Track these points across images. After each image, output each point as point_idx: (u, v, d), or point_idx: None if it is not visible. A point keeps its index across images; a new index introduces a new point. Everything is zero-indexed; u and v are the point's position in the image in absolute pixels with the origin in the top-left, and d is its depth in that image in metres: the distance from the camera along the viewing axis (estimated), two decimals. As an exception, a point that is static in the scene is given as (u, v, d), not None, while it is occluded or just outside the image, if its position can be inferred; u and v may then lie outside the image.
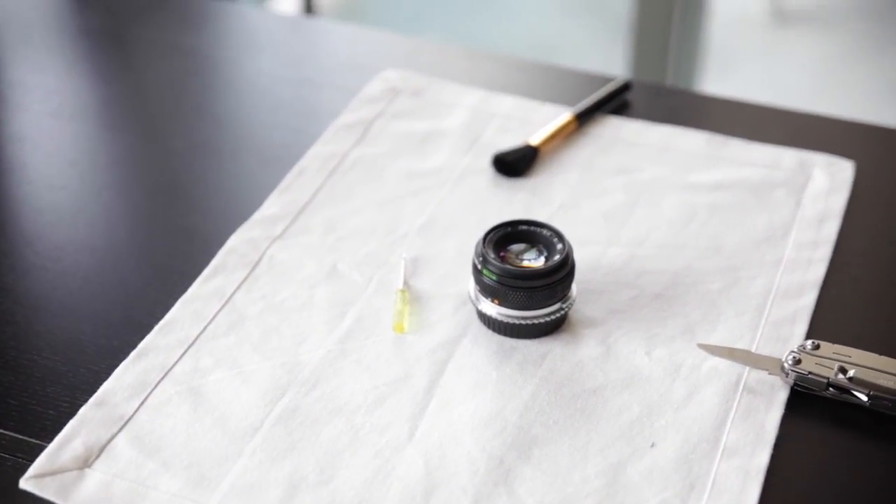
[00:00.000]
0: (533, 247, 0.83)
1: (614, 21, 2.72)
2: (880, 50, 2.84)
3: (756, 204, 0.94)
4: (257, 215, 0.92)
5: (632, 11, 2.14)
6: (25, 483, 0.70)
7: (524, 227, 0.84)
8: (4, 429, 0.73)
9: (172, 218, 0.93)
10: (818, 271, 0.87)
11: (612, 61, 2.57)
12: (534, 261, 0.82)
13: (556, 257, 0.81)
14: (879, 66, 2.78)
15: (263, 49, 1.14)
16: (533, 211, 0.92)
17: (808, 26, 2.92)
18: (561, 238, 0.82)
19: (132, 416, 0.74)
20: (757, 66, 2.82)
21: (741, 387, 0.77)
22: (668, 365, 0.79)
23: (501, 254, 0.82)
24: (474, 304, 0.82)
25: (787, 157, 0.98)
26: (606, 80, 1.08)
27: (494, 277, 0.80)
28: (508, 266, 0.80)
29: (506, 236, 0.83)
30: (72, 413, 0.74)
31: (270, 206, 0.92)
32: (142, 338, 0.80)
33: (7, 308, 0.83)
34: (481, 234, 0.83)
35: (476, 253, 0.81)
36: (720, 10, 2.77)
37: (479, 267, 0.80)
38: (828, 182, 0.96)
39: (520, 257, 0.82)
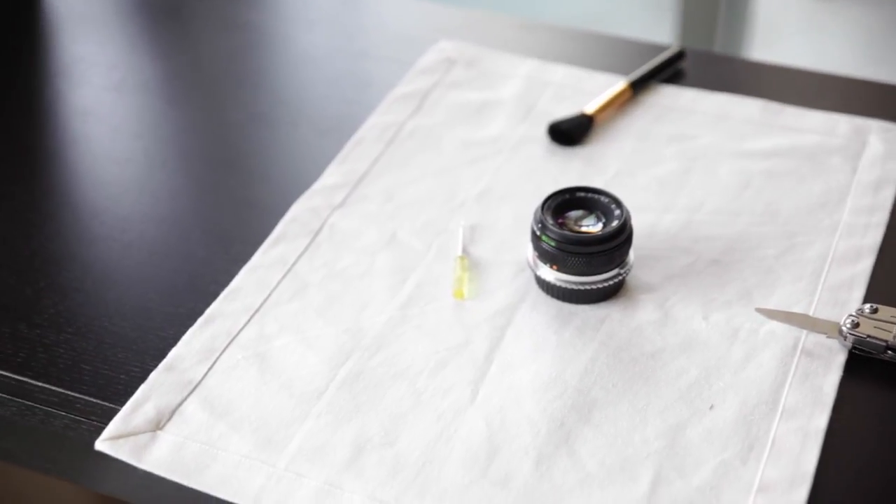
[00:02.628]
0: (591, 213, 0.83)
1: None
2: None
3: (812, 170, 0.94)
4: (317, 185, 0.92)
5: None
6: (101, 445, 0.71)
7: (582, 194, 0.84)
8: (79, 392, 0.75)
9: (234, 188, 0.93)
10: (875, 236, 0.87)
11: (659, 31, 2.55)
12: (592, 227, 0.82)
13: (614, 223, 0.81)
14: None
15: (318, 22, 1.14)
16: (588, 179, 0.92)
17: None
18: (619, 204, 0.82)
19: (201, 380, 0.75)
20: (802, 38, 2.79)
21: (799, 350, 0.77)
22: (725, 329, 0.79)
23: (560, 220, 0.82)
24: (533, 270, 0.83)
25: (842, 124, 0.98)
26: (659, 48, 1.08)
27: (553, 243, 0.80)
28: (567, 232, 0.81)
29: (564, 203, 0.83)
30: (143, 378, 0.75)
31: (330, 176, 0.93)
32: (207, 305, 0.81)
33: (76, 276, 0.84)
34: (539, 201, 0.83)
35: (535, 219, 0.82)
36: None
37: (538, 233, 0.81)
38: (884, 148, 0.95)
39: (578, 223, 0.83)
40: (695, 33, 2.18)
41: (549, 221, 0.81)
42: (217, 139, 1.00)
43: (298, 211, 0.90)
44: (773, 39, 2.72)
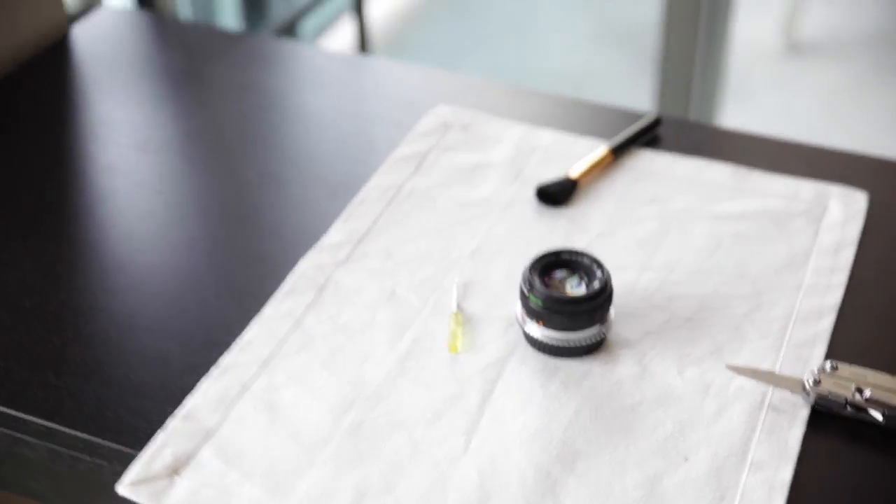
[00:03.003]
0: (574, 273, 0.83)
1: (642, 51, 2.72)
2: (888, 77, 2.83)
3: (777, 233, 0.93)
4: (323, 242, 0.92)
5: (659, 43, 2.14)
6: (122, 488, 0.71)
7: (566, 256, 0.84)
8: (102, 438, 0.74)
9: (247, 244, 0.93)
10: (835, 296, 0.86)
11: (639, 90, 2.58)
12: (575, 287, 0.82)
13: (596, 284, 0.81)
14: (888, 92, 2.77)
15: (326, 86, 1.13)
16: (573, 238, 0.92)
17: (820, 56, 2.91)
18: (600, 266, 0.82)
19: (215, 429, 0.75)
20: (773, 94, 2.81)
21: (766, 405, 0.77)
22: (698, 384, 0.79)
23: (546, 280, 0.82)
24: (521, 326, 0.82)
25: (805, 189, 0.97)
26: (638, 115, 1.07)
27: (540, 302, 0.80)
28: (553, 292, 0.81)
29: (550, 264, 0.83)
30: (161, 425, 0.75)
31: (335, 234, 0.93)
32: (221, 355, 0.81)
33: (102, 327, 0.83)
34: (527, 261, 0.83)
35: (523, 279, 0.81)
36: (739, 42, 2.74)
37: (526, 293, 0.81)
38: (843, 212, 0.95)
39: (563, 283, 0.82)
40: (673, 91, 2.20)
41: (536, 282, 0.81)
42: (232, 196, 1.00)
43: (306, 267, 0.89)
44: (746, 96, 2.75)
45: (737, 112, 2.64)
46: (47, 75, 1.16)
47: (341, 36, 2.76)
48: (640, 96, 2.53)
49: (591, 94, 2.77)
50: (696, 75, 2.14)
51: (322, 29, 2.73)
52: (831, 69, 2.85)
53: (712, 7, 2.10)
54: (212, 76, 1.15)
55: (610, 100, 2.88)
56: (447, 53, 3.00)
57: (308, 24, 2.36)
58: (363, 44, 2.13)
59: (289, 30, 1.96)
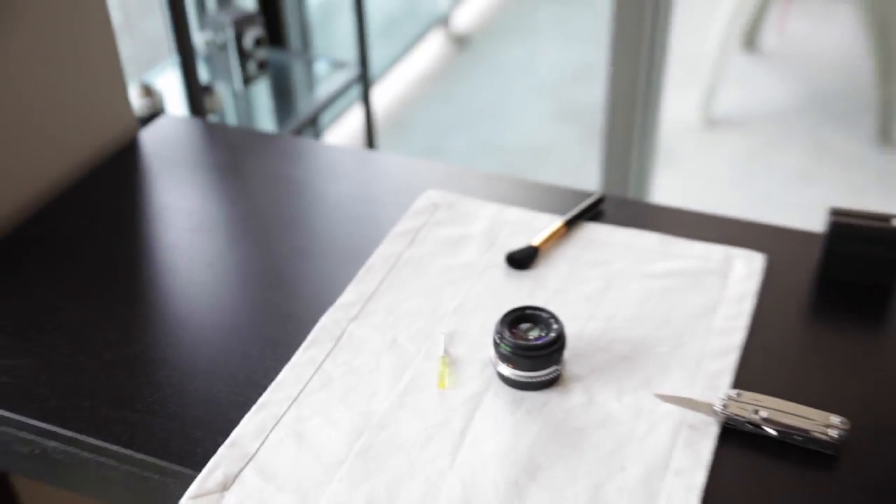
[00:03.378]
0: (536, 325, 0.83)
1: (592, 127, 2.71)
2: (782, 145, 2.85)
3: (694, 287, 0.93)
4: (339, 302, 0.92)
5: (605, 120, 2.13)
6: (183, 502, 0.72)
7: (529, 311, 0.84)
8: (168, 461, 0.76)
9: (279, 304, 0.93)
10: (739, 337, 0.87)
11: (590, 158, 2.56)
12: (537, 336, 0.82)
13: (553, 334, 0.81)
14: (783, 156, 2.79)
15: (340, 176, 1.14)
16: (535, 296, 0.92)
17: (730, 129, 2.91)
18: (556, 319, 0.82)
19: (255, 453, 0.76)
20: (694, 159, 2.81)
21: (685, 424, 0.77)
22: (633, 409, 0.79)
23: (513, 331, 0.82)
24: (494, 367, 0.83)
25: (715, 252, 0.97)
26: (587, 194, 1.07)
27: (509, 349, 0.80)
28: (519, 341, 0.81)
29: (516, 318, 0.83)
30: (214, 451, 0.76)
31: (348, 295, 0.93)
32: (259, 395, 0.81)
33: (167, 374, 0.84)
34: (499, 316, 0.83)
35: (495, 330, 0.82)
36: (667, 118, 2.73)
37: (498, 341, 0.81)
38: (745, 270, 0.95)
39: (527, 333, 0.82)
40: (616, 158, 2.17)
41: (506, 333, 0.81)
42: (266, 266, 0.99)
43: (325, 322, 0.89)
44: (673, 160, 2.75)
45: (666, 174, 2.62)
46: (122, 170, 1.16)
47: (353, 120, 2.72)
48: (591, 164, 2.53)
49: (552, 164, 2.77)
50: (634, 144, 2.12)
51: (338, 116, 2.69)
52: (739, 139, 2.86)
53: (646, 90, 2.09)
54: (251, 169, 1.14)
55: (566, 168, 2.90)
56: (437, 132, 2.98)
57: (326, 116, 2.35)
58: (370, 127, 2.12)
59: (312, 121, 1.96)
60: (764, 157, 2.76)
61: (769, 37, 3.33)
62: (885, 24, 2.68)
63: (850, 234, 0.93)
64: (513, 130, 2.95)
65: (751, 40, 3.25)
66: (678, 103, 2.92)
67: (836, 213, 0.94)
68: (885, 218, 0.93)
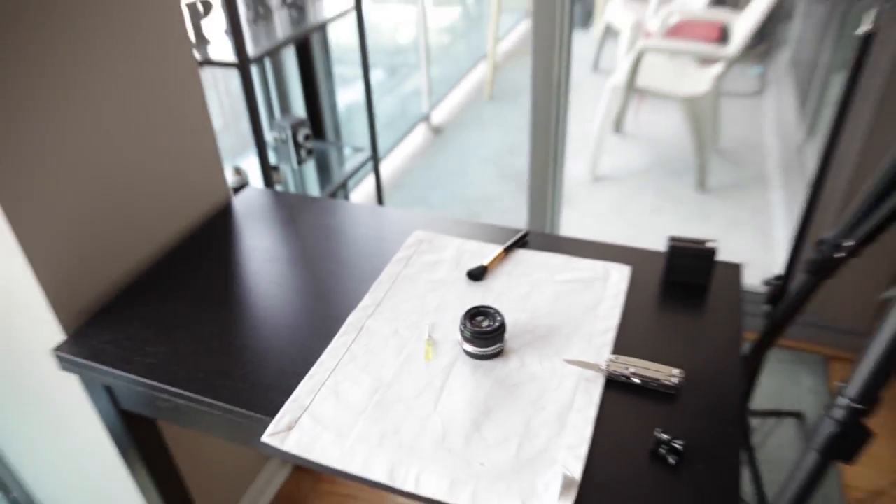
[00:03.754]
0: (486, 318, 0.82)
1: (521, 183, 2.72)
2: (641, 192, 2.82)
3: (586, 289, 0.92)
4: (360, 305, 0.90)
5: (529, 178, 2.08)
6: (264, 438, 0.71)
7: (482, 308, 0.83)
8: (253, 412, 0.74)
9: (321, 309, 0.91)
10: (615, 321, 0.86)
11: (521, 204, 2.53)
12: (487, 324, 0.81)
13: (497, 323, 0.80)
14: (641, 199, 2.76)
15: (361, 224, 1.11)
16: (486, 298, 0.91)
17: (608, 182, 2.88)
18: (500, 313, 0.82)
19: (308, 405, 0.75)
20: (587, 202, 2.77)
21: (582, 378, 0.77)
22: (549, 369, 0.78)
23: (472, 322, 0.81)
24: (461, 346, 0.82)
25: (599, 266, 0.97)
26: (518, 230, 1.05)
27: (469, 334, 0.80)
28: (476, 328, 0.80)
29: (474, 313, 0.83)
30: (281, 405, 0.75)
31: (366, 300, 0.91)
32: (309, 368, 0.80)
33: (250, 356, 0.82)
34: (462, 312, 0.82)
35: (461, 322, 0.81)
36: (568, 176, 2.77)
37: (462, 329, 0.81)
38: (619, 277, 0.94)
39: (481, 323, 0.81)
40: (537, 203, 2.13)
41: (467, 323, 0.81)
42: (313, 284, 0.96)
43: (351, 319, 0.88)
44: (573, 203, 2.71)
45: (568, 213, 2.61)
46: (222, 223, 1.14)
47: (368, 185, 2.68)
48: (521, 209, 2.51)
49: (496, 209, 2.72)
50: (548, 194, 2.11)
51: (358, 182, 2.66)
52: (614, 189, 2.84)
53: (555, 158, 2.07)
54: (303, 221, 1.12)
55: (506, 212, 2.85)
56: (423, 189, 2.93)
57: (351, 182, 2.34)
58: (379, 189, 2.10)
59: (342, 186, 1.94)
60: (629, 200, 2.75)
61: (630, 123, 3.33)
62: (696, 117, 2.70)
63: (681, 252, 0.92)
64: (471, 187, 2.92)
65: (618, 126, 3.26)
66: (575, 166, 2.92)
67: (672, 238, 0.94)
68: (702, 242, 0.93)
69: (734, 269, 0.94)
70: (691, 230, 2.48)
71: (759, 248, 2.38)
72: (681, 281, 0.93)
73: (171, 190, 1.08)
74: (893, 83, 1.49)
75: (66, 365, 0.87)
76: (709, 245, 0.92)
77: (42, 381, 1.01)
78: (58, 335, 0.90)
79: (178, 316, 0.91)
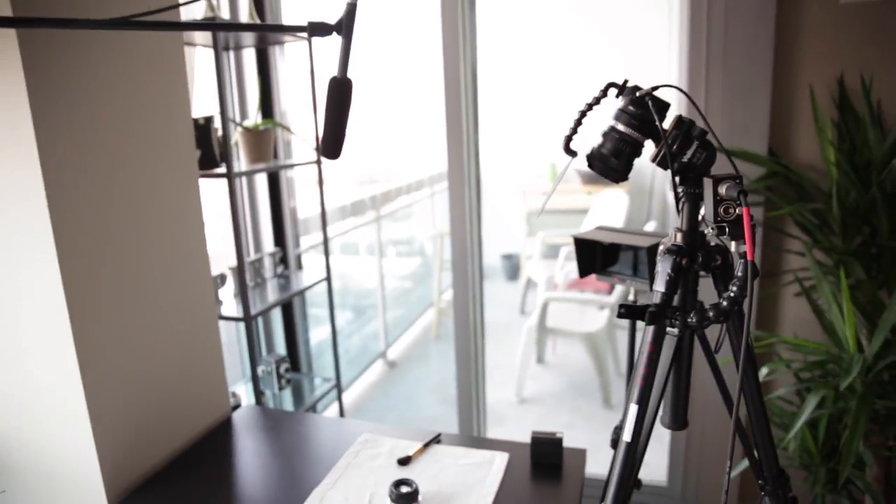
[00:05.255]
0: (407, 486, 0.92)
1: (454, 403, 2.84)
2: (559, 410, 2.79)
3: (477, 469, 1.06)
4: (322, 482, 1.02)
5: (458, 400, 2.13)
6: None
7: (404, 480, 0.93)
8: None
9: (293, 485, 0.97)
10: (495, 486, 0.97)
11: (451, 412, 2.64)
12: (407, 492, 0.91)
13: (413, 489, 0.92)
14: (559, 416, 2.72)
15: (327, 431, 1.24)
16: (409, 475, 1.03)
17: (532, 403, 2.90)
18: (415, 483, 0.93)
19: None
20: (514, 420, 2.78)
21: None
22: None
23: (396, 489, 0.93)
24: None
25: (488, 454, 1.10)
26: (438, 433, 1.18)
27: (395, 497, 0.92)
28: (399, 493, 0.91)
29: (398, 483, 0.93)
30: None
31: (326, 479, 1.01)
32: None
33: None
34: (392, 483, 0.95)
35: (389, 490, 0.93)
36: (496, 399, 2.84)
37: (390, 493, 0.92)
38: (500, 461, 1.09)
39: (402, 490, 0.92)
40: (465, 417, 2.10)
41: (393, 490, 0.91)
42: (291, 471, 1.06)
43: (316, 491, 0.97)
44: (501, 420, 2.73)
45: (500, 429, 2.64)
46: (224, 431, 1.26)
47: (333, 409, 2.66)
48: (450, 412, 2.60)
49: (439, 427, 2.74)
50: (473, 411, 2.15)
51: (328, 405, 2.66)
52: (536, 408, 2.85)
53: (476, 387, 2.10)
54: (284, 429, 1.26)
55: (446, 428, 2.94)
56: (380, 412, 2.94)
57: (320, 405, 2.36)
58: (341, 408, 2.09)
59: (313, 407, 1.97)
60: (549, 417, 2.79)
61: (549, 355, 3.53)
62: (595, 348, 2.97)
63: (539, 441, 1.11)
64: (419, 410, 2.86)
65: (540, 357, 3.45)
66: (503, 391, 2.97)
67: (534, 432, 1.11)
68: (554, 433, 1.13)
69: (580, 454, 1.13)
70: (599, 441, 2.65)
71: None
72: (541, 462, 1.10)
73: (188, 408, 1.22)
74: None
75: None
76: (558, 435, 1.15)
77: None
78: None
79: (210, 492, 0.99)
